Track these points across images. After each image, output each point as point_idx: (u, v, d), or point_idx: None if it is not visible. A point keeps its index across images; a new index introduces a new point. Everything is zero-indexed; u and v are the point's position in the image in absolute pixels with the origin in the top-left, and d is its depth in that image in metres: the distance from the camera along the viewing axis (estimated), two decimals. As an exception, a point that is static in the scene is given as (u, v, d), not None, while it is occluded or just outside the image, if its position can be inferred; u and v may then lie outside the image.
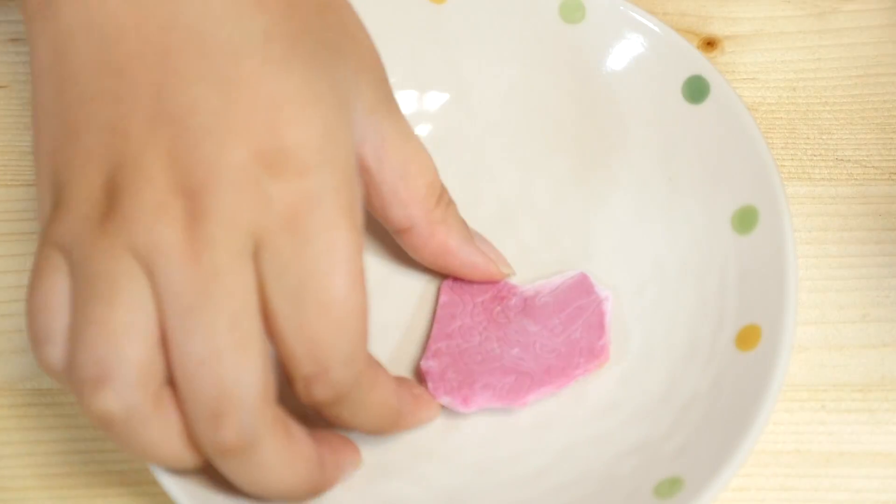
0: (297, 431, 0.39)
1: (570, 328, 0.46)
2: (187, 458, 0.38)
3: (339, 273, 0.37)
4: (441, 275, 0.47)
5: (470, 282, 0.47)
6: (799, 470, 0.45)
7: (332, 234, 0.37)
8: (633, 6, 0.49)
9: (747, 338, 0.44)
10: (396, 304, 0.47)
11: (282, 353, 0.38)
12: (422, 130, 0.50)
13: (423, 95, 0.50)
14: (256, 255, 0.37)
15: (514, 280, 0.47)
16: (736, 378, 0.43)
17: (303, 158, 0.37)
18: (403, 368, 0.46)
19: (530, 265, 0.48)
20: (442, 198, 0.45)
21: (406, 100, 0.50)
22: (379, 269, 0.47)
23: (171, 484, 0.41)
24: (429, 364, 0.45)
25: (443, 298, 0.47)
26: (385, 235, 0.47)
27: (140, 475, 0.45)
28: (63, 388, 0.44)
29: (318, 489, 0.40)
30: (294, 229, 0.37)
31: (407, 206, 0.44)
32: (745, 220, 0.46)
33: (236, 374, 0.36)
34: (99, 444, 0.46)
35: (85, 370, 0.37)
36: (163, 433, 0.37)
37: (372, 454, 0.44)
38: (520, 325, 0.46)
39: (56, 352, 0.38)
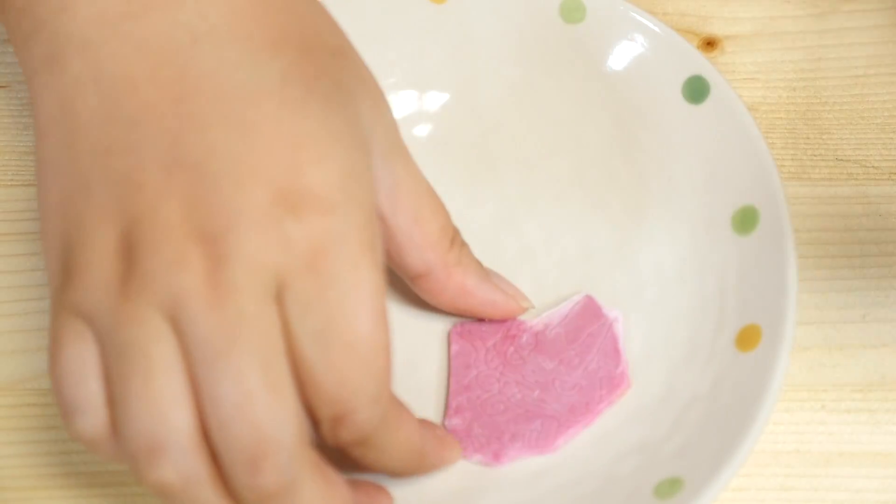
0: (334, 475, 0.38)
1: (585, 359, 0.46)
2: None
3: (363, 313, 0.37)
4: (449, 318, 0.47)
5: (479, 324, 0.46)
6: (799, 470, 0.45)
7: (355, 274, 0.37)
8: (633, 6, 0.49)
9: (747, 338, 0.44)
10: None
11: (308, 395, 0.37)
12: (422, 130, 0.50)
13: (423, 95, 0.50)
14: (280, 297, 0.36)
15: (522, 312, 0.47)
16: (736, 378, 0.43)
17: (324, 197, 0.37)
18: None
19: (530, 265, 0.48)
20: (455, 239, 0.44)
21: (406, 100, 0.50)
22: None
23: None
24: (453, 423, 0.45)
25: (454, 348, 0.46)
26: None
27: (140, 475, 0.45)
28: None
29: None
30: (317, 269, 0.36)
31: (422, 250, 0.43)
32: (745, 220, 0.46)
33: (272, 417, 0.36)
34: (99, 444, 0.46)
35: (136, 444, 0.36)
36: (221, 495, 0.37)
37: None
38: (535, 363, 0.46)
39: (91, 421, 0.37)
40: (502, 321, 0.46)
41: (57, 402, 0.38)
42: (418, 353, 0.47)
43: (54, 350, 0.37)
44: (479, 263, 0.45)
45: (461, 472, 0.44)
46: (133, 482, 0.45)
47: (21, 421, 0.46)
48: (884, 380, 0.46)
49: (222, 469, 0.37)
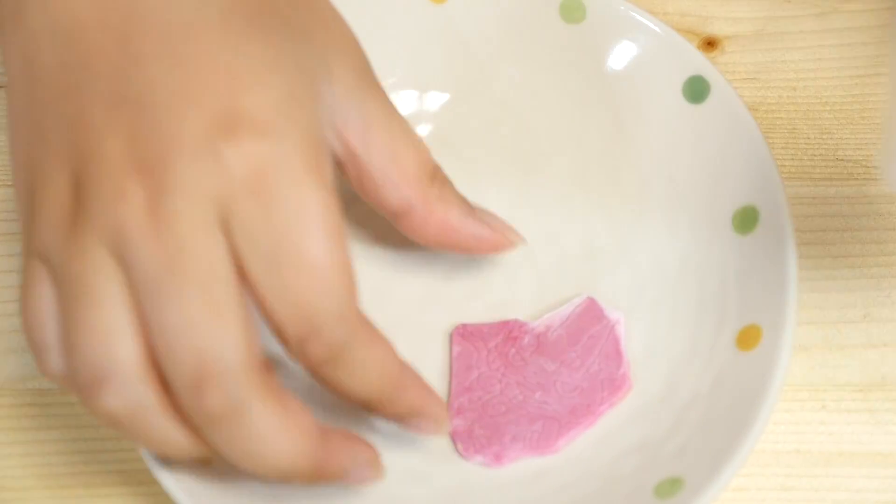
0: (294, 403, 0.38)
1: (587, 361, 0.45)
2: (195, 448, 0.38)
3: (313, 232, 0.37)
4: (451, 320, 0.47)
5: (480, 325, 0.46)
6: (799, 470, 0.45)
7: (300, 194, 0.37)
8: (633, 6, 0.49)
9: (747, 338, 0.44)
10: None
11: (269, 319, 0.37)
12: (422, 130, 0.50)
13: (423, 95, 0.50)
14: (226, 224, 0.37)
15: (522, 315, 0.47)
16: (736, 378, 0.43)
17: (261, 120, 0.37)
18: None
19: (530, 265, 0.48)
20: (436, 175, 0.44)
21: (406, 100, 0.50)
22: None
23: (172, 483, 0.41)
24: (454, 423, 0.45)
25: (455, 349, 0.46)
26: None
27: (140, 475, 0.45)
28: (67, 393, 0.45)
29: (322, 469, 0.39)
30: (259, 193, 0.37)
31: (400, 187, 0.43)
32: (745, 220, 0.46)
33: (213, 340, 0.36)
34: (99, 444, 0.46)
35: (82, 375, 0.37)
36: (169, 425, 0.37)
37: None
38: (537, 365, 0.46)
39: (54, 359, 0.38)
40: (503, 323, 0.46)
41: (28, 345, 0.38)
42: (420, 353, 0.46)
43: (22, 294, 0.38)
44: (463, 199, 0.45)
45: (462, 473, 0.44)
46: (134, 482, 0.45)
47: (21, 421, 0.46)
48: (884, 380, 0.46)
49: (173, 395, 0.37)
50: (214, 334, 0.36)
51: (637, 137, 0.49)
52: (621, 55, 0.49)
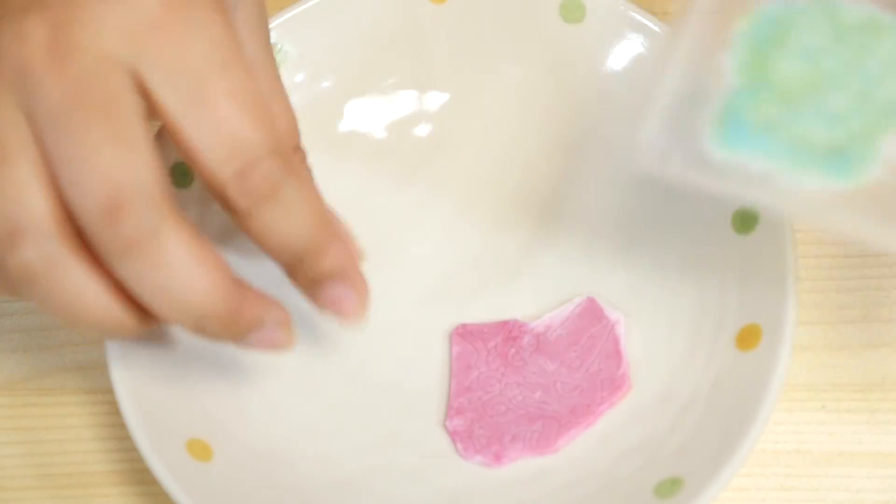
0: (207, 241, 0.37)
1: (587, 361, 0.46)
2: (115, 309, 0.37)
3: (233, 65, 0.36)
4: (451, 319, 0.47)
5: (480, 325, 0.46)
6: (799, 470, 0.45)
7: (212, 30, 0.36)
8: (633, 6, 0.49)
9: (747, 338, 0.44)
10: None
11: (199, 159, 0.36)
12: (422, 130, 0.50)
13: (423, 95, 0.50)
14: (135, 62, 0.36)
15: (521, 315, 0.47)
16: (736, 378, 0.43)
17: None
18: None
19: (530, 266, 0.48)
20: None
21: (406, 100, 0.50)
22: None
23: (172, 484, 0.41)
24: (454, 423, 0.45)
25: (455, 349, 0.46)
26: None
27: (140, 475, 0.45)
28: (69, 393, 0.44)
29: (236, 314, 0.38)
30: (170, 29, 0.36)
31: None
32: (745, 219, 0.46)
33: (121, 164, 0.35)
34: (99, 444, 0.46)
35: None
36: (87, 280, 0.36)
37: (375, 455, 0.44)
38: (537, 365, 0.46)
39: None
40: (503, 323, 0.46)
41: None
42: (420, 353, 0.47)
43: None
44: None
45: (462, 473, 0.44)
46: (134, 482, 0.45)
47: (21, 421, 0.46)
48: (884, 380, 0.46)
49: (83, 232, 0.36)
50: (121, 158, 0.35)
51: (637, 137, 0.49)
52: (621, 55, 0.49)
